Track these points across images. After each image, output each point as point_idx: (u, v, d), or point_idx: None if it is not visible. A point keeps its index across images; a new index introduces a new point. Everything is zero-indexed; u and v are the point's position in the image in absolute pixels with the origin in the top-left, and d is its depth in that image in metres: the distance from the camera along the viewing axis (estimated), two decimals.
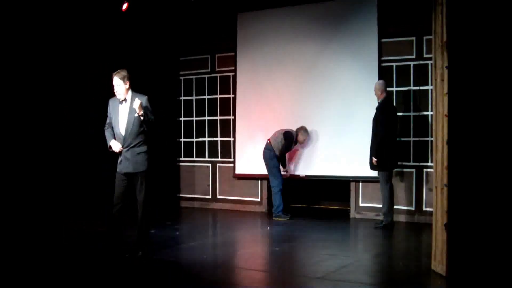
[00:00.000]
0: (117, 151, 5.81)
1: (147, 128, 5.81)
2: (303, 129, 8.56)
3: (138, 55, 9.16)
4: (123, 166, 5.82)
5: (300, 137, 8.54)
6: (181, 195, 10.24)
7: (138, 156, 5.81)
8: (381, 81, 7.69)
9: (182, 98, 10.24)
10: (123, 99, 5.84)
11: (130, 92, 5.87)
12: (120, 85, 5.77)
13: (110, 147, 5.84)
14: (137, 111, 5.66)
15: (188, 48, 10.09)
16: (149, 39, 9.44)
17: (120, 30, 8.83)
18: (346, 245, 6.82)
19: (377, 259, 6.10)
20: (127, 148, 5.81)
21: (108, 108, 5.97)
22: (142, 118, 5.70)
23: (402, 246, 6.71)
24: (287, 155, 8.81)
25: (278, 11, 9.18)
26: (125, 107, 5.84)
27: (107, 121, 5.97)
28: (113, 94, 5.91)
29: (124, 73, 5.81)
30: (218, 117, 9.86)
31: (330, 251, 6.29)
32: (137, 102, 5.63)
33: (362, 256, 6.26)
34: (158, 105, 9.48)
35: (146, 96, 5.88)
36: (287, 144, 8.45)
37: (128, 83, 5.82)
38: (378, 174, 7.64)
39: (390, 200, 7.54)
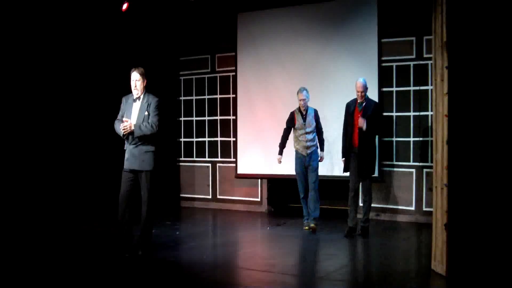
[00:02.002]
0: (127, 127, 5.78)
1: (147, 136, 5.83)
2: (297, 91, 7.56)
3: (138, 55, 9.15)
4: (129, 163, 5.86)
5: (299, 100, 7.47)
6: (181, 195, 10.24)
7: (145, 154, 5.85)
8: (363, 78, 7.11)
9: (182, 98, 10.24)
10: (138, 96, 5.88)
11: (145, 90, 5.96)
12: (139, 80, 5.90)
13: (124, 135, 5.85)
14: (123, 129, 5.74)
15: (188, 48, 10.09)
16: (149, 39, 9.44)
17: (120, 30, 8.82)
18: (346, 245, 6.82)
19: (377, 259, 6.10)
20: (134, 145, 5.84)
21: (122, 104, 6.06)
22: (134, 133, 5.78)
23: (402, 246, 6.71)
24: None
25: (278, 11, 9.18)
26: (137, 104, 5.93)
27: (119, 115, 6.03)
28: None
29: (142, 69, 5.94)
30: (218, 117, 9.86)
31: (330, 251, 6.29)
32: (129, 124, 5.73)
33: (362, 256, 6.26)
34: (161, 104, 9.56)
35: (157, 99, 5.94)
36: (287, 122, 7.57)
37: (145, 81, 5.94)
38: (365, 179, 7.03)
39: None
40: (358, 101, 7.03)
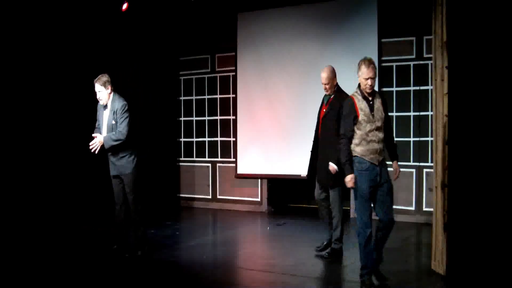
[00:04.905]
0: (97, 144, 5.77)
1: (120, 143, 5.82)
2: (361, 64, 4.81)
3: (138, 55, 9.16)
4: (110, 169, 5.95)
5: (364, 79, 4.75)
6: (181, 195, 10.24)
7: (122, 159, 5.88)
8: (330, 66, 6.09)
9: (182, 98, 10.24)
10: (105, 104, 5.87)
11: (112, 96, 5.90)
12: (102, 91, 5.81)
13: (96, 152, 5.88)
14: (92, 148, 5.75)
15: (188, 48, 10.09)
16: (149, 39, 9.44)
17: (120, 30, 8.82)
18: (346, 245, 6.81)
19: None
20: (111, 152, 5.87)
21: (97, 112, 6.05)
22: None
23: (402, 246, 6.71)
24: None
25: (278, 11, 9.17)
26: (107, 112, 5.91)
27: (97, 123, 6.06)
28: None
29: (104, 78, 5.81)
30: (218, 117, 9.86)
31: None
32: (97, 141, 5.73)
33: None
34: (158, 105, 9.59)
35: (123, 103, 5.84)
36: (346, 116, 4.84)
37: (110, 88, 5.85)
38: (330, 190, 6.01)
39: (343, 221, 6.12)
40: (326, 94, 6.04)
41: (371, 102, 4.76)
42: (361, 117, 4.73)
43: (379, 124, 4.75)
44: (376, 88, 7.99)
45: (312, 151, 6.11)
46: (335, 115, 5.75)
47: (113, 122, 5.80)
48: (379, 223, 4.90)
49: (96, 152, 5.81)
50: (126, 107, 5.82)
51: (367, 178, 4.71)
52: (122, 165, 5.86)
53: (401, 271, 5.37)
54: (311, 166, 6.08)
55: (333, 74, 5.98)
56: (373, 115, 4.73)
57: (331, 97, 5.98)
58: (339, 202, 6.00)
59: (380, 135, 4.75)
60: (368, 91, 4.75)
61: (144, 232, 6.05)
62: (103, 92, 5.80)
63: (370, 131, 4.72)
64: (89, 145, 5.76)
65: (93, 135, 5.82)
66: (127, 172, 5.86)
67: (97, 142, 5.74)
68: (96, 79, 5.81)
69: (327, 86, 5.96)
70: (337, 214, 6.00)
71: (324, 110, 6.00)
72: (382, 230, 4.89)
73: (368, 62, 4.73)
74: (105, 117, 5.90)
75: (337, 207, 5.99)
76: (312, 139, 6.22)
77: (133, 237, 5.99)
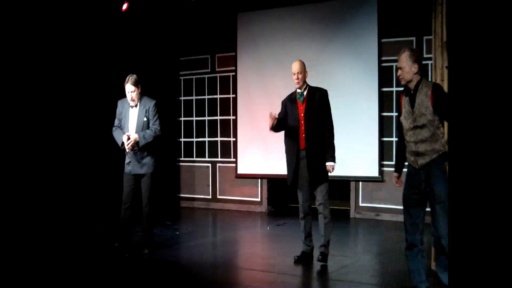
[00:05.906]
0: (133, 142, 5.80)
1: (151, 141, 5.90)
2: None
3: (138, 55, 9.16)
4: (132, 168, 5.92)
5: (398, 68, 4.66)
6: (181, 195, 10.24)
7: (146, 158, 5.93)
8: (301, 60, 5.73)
9: (182, 98, 10.25)
10: (136, 104, 5.91)
11: (139, 96, 5.95)
12: (135, 91, 5.84)
13: (123, 143, 5.86)
14: (129, 147, 5.77)
15: (188, 48, 10.10)
16: (149, 39, 9.45)
17: (120, 31, 8.83)
18: (346, 245, 6.82)
19: (377, 259, 6.10)
20: (138, 151, 5.88)
21: (118, 109, 6.05)
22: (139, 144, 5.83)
23: (402, 246, 6.70)
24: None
25: (278, 11, 9.19)
26: (135, 111, 5.94)
27: (116, 122, 6.04)
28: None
29: (135, 77, 5.84)
30: (218, 117, 9.87)
31: (330, 251, 6.28)
32: (133, 139, 5.77)
33: (362, 256, 6.26)
34: (158, 105, 9.59)
35: (154, 101, 5.99)
36: (400, 118, 4.44)
37: (140, 87, 5.90)
38: (317, 189, 5.70)
39: None
40: (298, 90, 5.65)
41: (413, 96, 4.23)
42: (403, 114, 4.28)
43: (419, 122, 4.14)
44: (376, 88, 8.10)
45: (292, 156, 5.71)
46: (319, 107, 5.57)
47: (145, 119, 5.87)
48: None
49: (130, 151, 5.85)
50: (158, 106, 5.97)
51: (408, 184, 4.24)
52: (147, 163, 5.92)
53: (401, 271, 5.37)
54: (295, 171, 5.70)
55: (305, 66, 5.65)
56: (413, 112, 4.17)
57: (305, 93, 5.63)
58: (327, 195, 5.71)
59: (420, 135, 4.15)
60: (402, 83, 4.34)
61: (153, 232, 6.14)
62: (135, 92, 5.83)
63: (408, 129, 4.22)
64: (126, 145, 5.76)
65: (127, 134, 5.81)
66: (150, 171, 5.93)
67: (132, 141, 5.77)
68: (127, 80, 5.80)
69: (299, 76, 5.54)
70: (329, 215, 5.72)
71: (302, 107, 5.62)
72: (437, 246, 4.21)
73: (401, 52, 4.37)
74: (133, 115, 5.92)
75: (329, 207, 5.75)
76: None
77: (144, 236, 6.03)
